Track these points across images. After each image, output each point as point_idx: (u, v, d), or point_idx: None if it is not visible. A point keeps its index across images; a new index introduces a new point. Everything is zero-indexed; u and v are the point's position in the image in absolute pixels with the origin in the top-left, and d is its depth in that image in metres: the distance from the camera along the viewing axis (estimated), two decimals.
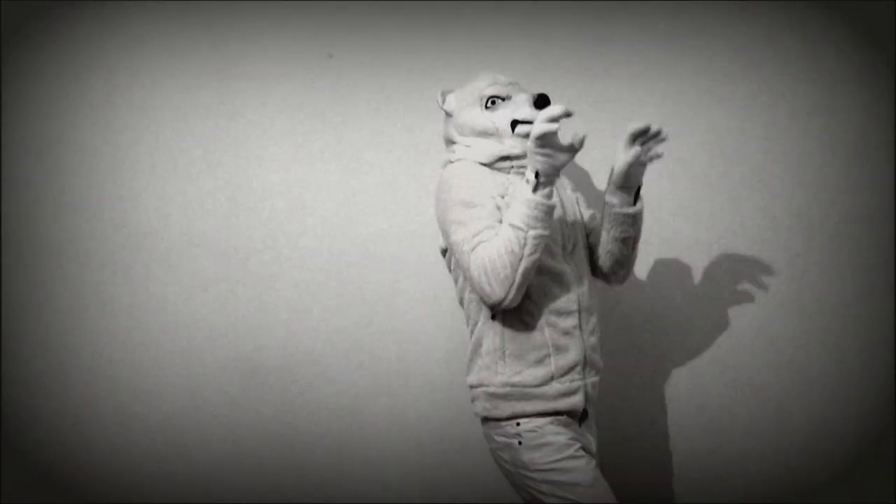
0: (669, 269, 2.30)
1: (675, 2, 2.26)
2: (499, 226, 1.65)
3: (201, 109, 2.28)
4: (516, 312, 1.70)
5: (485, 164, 1.78)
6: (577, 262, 1.80)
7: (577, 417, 1.76)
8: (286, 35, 2.27)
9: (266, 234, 2.30)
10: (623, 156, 1.70)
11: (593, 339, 1.80)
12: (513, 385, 1.71)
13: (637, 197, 1.80)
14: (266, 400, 2.33)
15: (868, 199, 2.28)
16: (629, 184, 1.75)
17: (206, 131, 2.29)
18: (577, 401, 1.73)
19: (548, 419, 1.70)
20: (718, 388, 2.32)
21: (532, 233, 1.60)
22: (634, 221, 1.80)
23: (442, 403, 2.30)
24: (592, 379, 1.79)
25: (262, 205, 2.30)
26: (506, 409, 1.72)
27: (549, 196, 1.62)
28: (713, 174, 2.29)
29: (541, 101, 1.73)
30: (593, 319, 1.81)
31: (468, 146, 1.81)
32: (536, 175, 1.60)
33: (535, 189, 1.60)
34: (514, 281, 1.61)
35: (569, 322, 1.73)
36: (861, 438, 2.31)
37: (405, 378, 2.31)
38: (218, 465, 2.34)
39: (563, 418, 1.72)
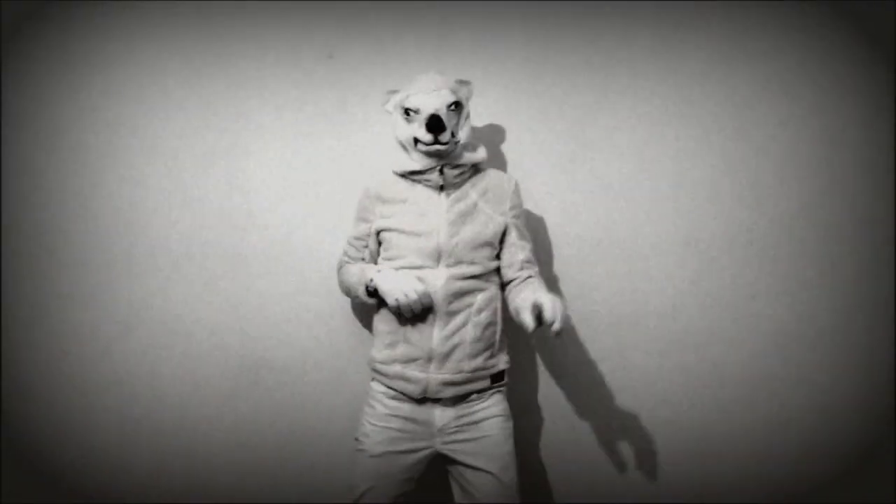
0: (663, 269, 2.31)
1: (675, 1, 2.27)
2: (361, 247, 2.06)
3: (202, 111, 2.28)
4: (384, 301, 1.99)
5: (399, 175, 2.02)
6: (454, 270, 1.95)
7: (415, 398, 1.98)
8: (286, 35, 2.27)
9: (267, 235, 2.30)
10: (525, 315, 1.82)
11: (455, 340, 1.94)
12: (373, 359, 2.03)
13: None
14: (268, 400, 2.34)
15: (868, 200, 2.29)
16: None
17: (207, 133, 2.29)
18: (411, 388, 1.96)
19: (385, 387, 2.01)
20: (719, 388, 2.34)
21: (354, 296, 2.07)
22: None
23: None
24: (442, 376, 1.95)
25: (263, 205, 2.30)
26: (370, 365, 2.05)
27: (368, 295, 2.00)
28: (712, 174, 2.30)
29: (431, 124, 1.89)
30: (457, 321, 1.95)
31: (395, 157, 2.03)
32: (376, 292, 1.97)
33: (368, 292, 1.99)
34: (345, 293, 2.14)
35: (419, 321, 1.94)
36: (861, 439, 2.32)
37: None
38: (219, 466, 2.35)
39: (398, 394, 1.99)
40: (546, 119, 2.29)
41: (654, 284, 2.31)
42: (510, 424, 2.02)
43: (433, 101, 1.93)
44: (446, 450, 1.99)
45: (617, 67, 2.27)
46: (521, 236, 2.04)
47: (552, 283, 2.30)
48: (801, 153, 2.30)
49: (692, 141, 2.30)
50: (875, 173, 2.29)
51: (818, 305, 2.31)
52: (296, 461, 2.35)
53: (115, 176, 2.30)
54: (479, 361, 1.96)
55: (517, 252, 2.01)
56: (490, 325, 1.98)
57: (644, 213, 2.29)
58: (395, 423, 1.98)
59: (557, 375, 2.34)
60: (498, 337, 2.01)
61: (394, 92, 2.03)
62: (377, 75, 2.27)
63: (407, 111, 1.95)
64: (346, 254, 2.12)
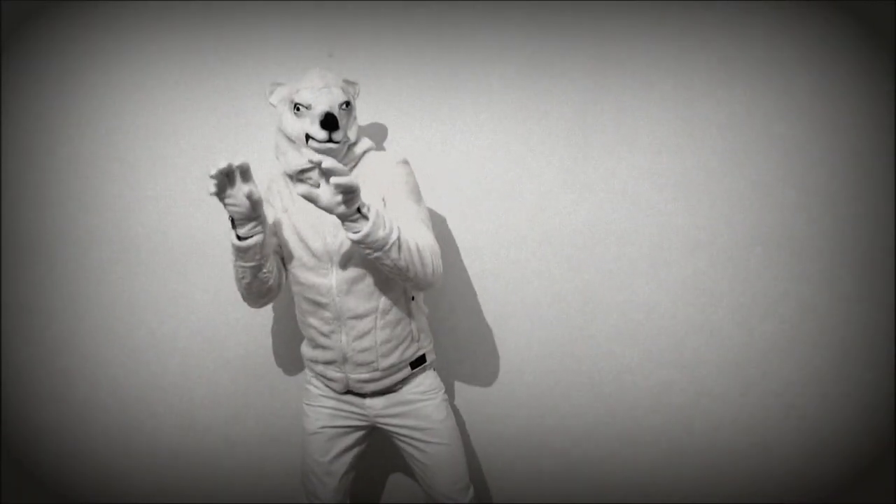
0: (659, 268, 2.31)
1: (674, 1, 2.26)
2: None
3: (202, 110, 2.29)
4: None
5: (288, 176, 1.96)
6: (348, 272, 1.90)
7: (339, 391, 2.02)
8: (286, 35, 2.27)
9: None
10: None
11: (364, 343, 1.93)
12: (303, 354, 2.06)
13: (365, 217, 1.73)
14: (267, 400, 2.35)
15: (868, 201, 2.29)
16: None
17: (207, 132, 2.29)
18: (334, 385, 2.01)
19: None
20: (720, 389, 2.34)
21: (234, 264, 1.90)
22: (363, 245, 1.72)
23: None
24: (360, 375, 1.96)
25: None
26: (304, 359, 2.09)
27: (239, 238, 1.83)
28: (713, 174, 2.30)
29: (326, 122, 1.84)
30: (364, 325, 1.92)
31: (283, 153, 1.94)
32: (231, 220, 1.83)
33: (233, 229, 1.84)
34: (242, 296, 1.98)
35: (325, 327, 1.94)
36: (862, 440, 2.33)
37: None
38: (219, 466, 2.36)
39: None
40: (547, 118, 2.29)
41: (656, 285, 2.31)
42: (441, 394, 2.04)
43: (325, 98, 1.88)
44: (385, 428, 2.03)
45: (618, 67, 2.27)
46: (402, 203, 1.89)
47: (552, 283, 2.30)
48: (803, 153, 2.30)
49: (694, 141, 2.30)
50: (876, 173, 2.29)
51: (820, 306, 2.31)
52: (297, 462, 2.36)
53: (113, 176, 2.31)
54: (393, 358, 1.97)
55: (396, 217, 1.87)
56: (400, 321, 1.96)
57: (645, 212, 2.30)
58: (329, 403, 2.03)
59: (555, 375, 2.35)
60: (413, 327, 1.99)
61: (279, 84, 1.98)
62: (377, 75, 2.28)
63: (297, 106, 1.89)
64: None
